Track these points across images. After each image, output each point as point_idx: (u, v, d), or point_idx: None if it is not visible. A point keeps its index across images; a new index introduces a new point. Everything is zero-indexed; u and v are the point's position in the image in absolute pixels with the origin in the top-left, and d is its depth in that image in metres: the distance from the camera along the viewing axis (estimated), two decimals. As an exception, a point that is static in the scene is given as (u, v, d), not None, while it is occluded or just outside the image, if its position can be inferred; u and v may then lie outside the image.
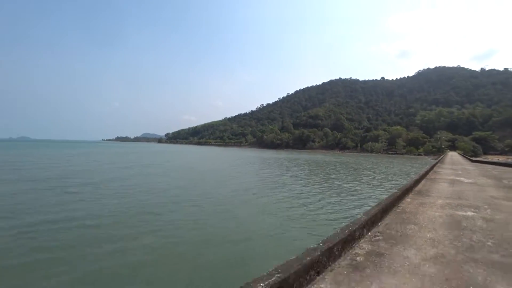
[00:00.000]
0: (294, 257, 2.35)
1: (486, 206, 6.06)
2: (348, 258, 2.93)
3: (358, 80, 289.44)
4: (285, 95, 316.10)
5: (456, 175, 13.26)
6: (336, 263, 2.77)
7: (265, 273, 1.96)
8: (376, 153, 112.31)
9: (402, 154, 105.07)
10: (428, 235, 3.86)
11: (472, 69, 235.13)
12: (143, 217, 10.36)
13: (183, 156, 61.91)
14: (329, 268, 2.63)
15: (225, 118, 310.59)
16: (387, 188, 20.05)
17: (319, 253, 2.49)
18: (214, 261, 6.79)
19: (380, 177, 27.95)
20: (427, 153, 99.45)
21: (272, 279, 1.88)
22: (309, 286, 2.28)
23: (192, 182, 20.90)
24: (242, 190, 17.24)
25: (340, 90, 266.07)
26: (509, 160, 40.04)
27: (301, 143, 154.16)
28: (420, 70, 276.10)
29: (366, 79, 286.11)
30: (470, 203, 6.37)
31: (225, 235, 8.74)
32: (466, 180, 11.29)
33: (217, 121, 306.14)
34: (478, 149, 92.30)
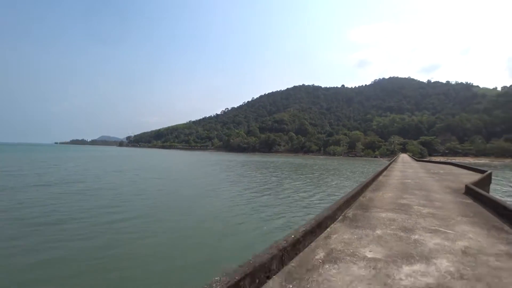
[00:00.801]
0: (319, 213, 5.72)
1: (417, 180, 11.61)
2: (350, 213, 6.44)
3: (320, 87, 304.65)
4: (249, 100, 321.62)
5: (404, 168, 18.30)
6: (338, 218, 4.88)
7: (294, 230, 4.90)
8: (337, 155, 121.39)
9: (361, 156, 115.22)
10: (391, 188, 7.67)
11: (420, 80, 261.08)
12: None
13: (157, 162, 56.95)
14: (336, 220, 4.81)
15: (190, 121, 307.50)
16: (361, 177, 24.71)
17: (330, 212, 4.55)
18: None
19: (350, 174, 33.01)
20: (382, 155, 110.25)
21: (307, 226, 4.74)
22: (333, 223, 5.14)
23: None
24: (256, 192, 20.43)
25: (303, 96, 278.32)
26: (443, 160, 47.88)
27: (267, 147, 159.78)
28: (376, 79, 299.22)
29: (328, 86, 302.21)
30: (409, 178, 12.01)
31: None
32: (410, 170, 17.16)
33: (181, 124, 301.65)
34: (424, 151, 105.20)
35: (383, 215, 5.28)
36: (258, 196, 18.01)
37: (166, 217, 12.55)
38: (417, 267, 2.82)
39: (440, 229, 4.32)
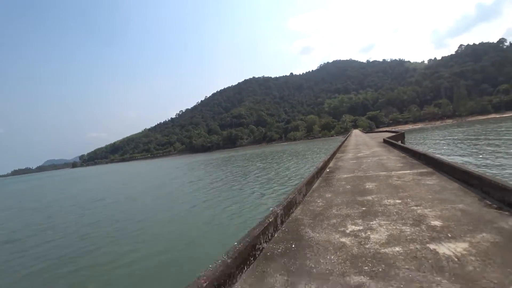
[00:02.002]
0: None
1: (363, 141, 18.66)
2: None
3: (270, 77, 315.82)
4: (203, 99, 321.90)
5: (356, 138, 27.11)
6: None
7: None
8: (298, 140, 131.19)
9: (319, 137, 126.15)
10: (350, 145, 14.34)
11: (361, 60, 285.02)
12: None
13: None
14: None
15: (145, 129, 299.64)
16: (329, 150, 31.93)
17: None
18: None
19: (318, 149, 40.50)
20: (338, 133, 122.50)
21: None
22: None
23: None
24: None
25: (256, 88, 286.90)
26: (385, 129, 58.31)
27: (231, 143, 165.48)
28: (321, 64, 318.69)
29: (278, 76, 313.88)
30: (359, 142, 19.37)
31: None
32: (360, 138, 26.27)
33: (137, 134, 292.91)
34: (373, 124, 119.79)
35: (350, 154, 11.86)
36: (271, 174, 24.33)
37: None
38: (362, 154, 9.23)
39: (368, 150, 11.33)
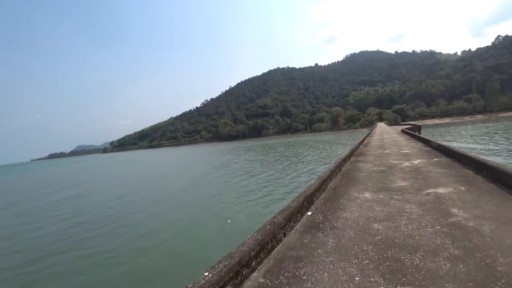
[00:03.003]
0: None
1: (386, 132, 24.49)
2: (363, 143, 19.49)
3: (295, 68, 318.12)
4: (227, 89, 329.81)
5: (381, 130, 32.49)
6: (362, 143, 19.18)
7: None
8: (323, 131, 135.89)
9: (344, 129, 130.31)
10: (376, 134, 20.76)
11: (389, 52, 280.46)
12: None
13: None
14: (361, 144, 18.98)
15: (171, 118, 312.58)
16: (354, 141, 38.26)
17: (360, 141, 18.83)
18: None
19: (345, 140, 46.74)
20: (363, 126, 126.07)
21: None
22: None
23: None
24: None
25: (280, 79, 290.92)
26: (412, 122, 62.72)
27: (256, 132, 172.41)
28: (347, 55, 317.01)
29: (302, 66, 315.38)
30: (383, 132, 25.05)
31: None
32: (384, 129, 30.43)
33: (164, 122, 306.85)
34: (398, 118, 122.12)
35: (376, 137, 18.26)
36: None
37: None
38: (384, 137, 15.63)
39: (389, 135, 17.58)
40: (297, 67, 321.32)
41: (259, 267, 2.84)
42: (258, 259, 2.89)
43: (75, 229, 13.55)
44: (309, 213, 4.40)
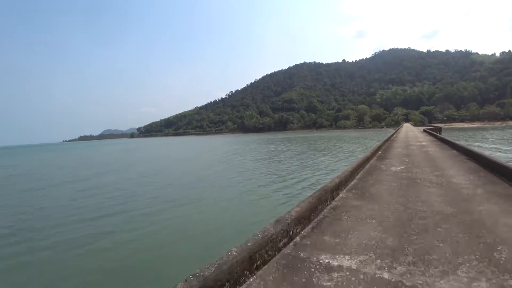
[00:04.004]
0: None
1: (411, 131, 30.61)
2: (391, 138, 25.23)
3: (322, 63, 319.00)
4: (252, 81, 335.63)
5: (406, 130, 37.42)
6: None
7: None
8: (348, 129, 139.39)
9: (369, 128, 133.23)
10: (401, 135, 26.37)
11: (420, 50, 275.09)
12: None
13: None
14: (390, 139, 24.60)
15: (197, 107, 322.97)
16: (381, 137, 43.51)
17: (390, 136, 24.42)
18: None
19: (374, 138, 51.83)
20: (388, 125, 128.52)
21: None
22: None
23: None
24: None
25: (307, 73, 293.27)
26: (438, 125, 66.32)
27: (281, 126, 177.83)
28: (376, 52, 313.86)
29: (329, 62, 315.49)
30: (408, 131, 30.44)
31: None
32: (410, 132, 35.08)
33: (189, 111, 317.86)
34: (425, 120, 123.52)
35: (402, 134, 23.98)
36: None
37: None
38: (409, 134, 21.38)
39: (412, 133, 23.24)
40: (324, 62, 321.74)
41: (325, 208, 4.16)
42: (321, 206, 4.07)
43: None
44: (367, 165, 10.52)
